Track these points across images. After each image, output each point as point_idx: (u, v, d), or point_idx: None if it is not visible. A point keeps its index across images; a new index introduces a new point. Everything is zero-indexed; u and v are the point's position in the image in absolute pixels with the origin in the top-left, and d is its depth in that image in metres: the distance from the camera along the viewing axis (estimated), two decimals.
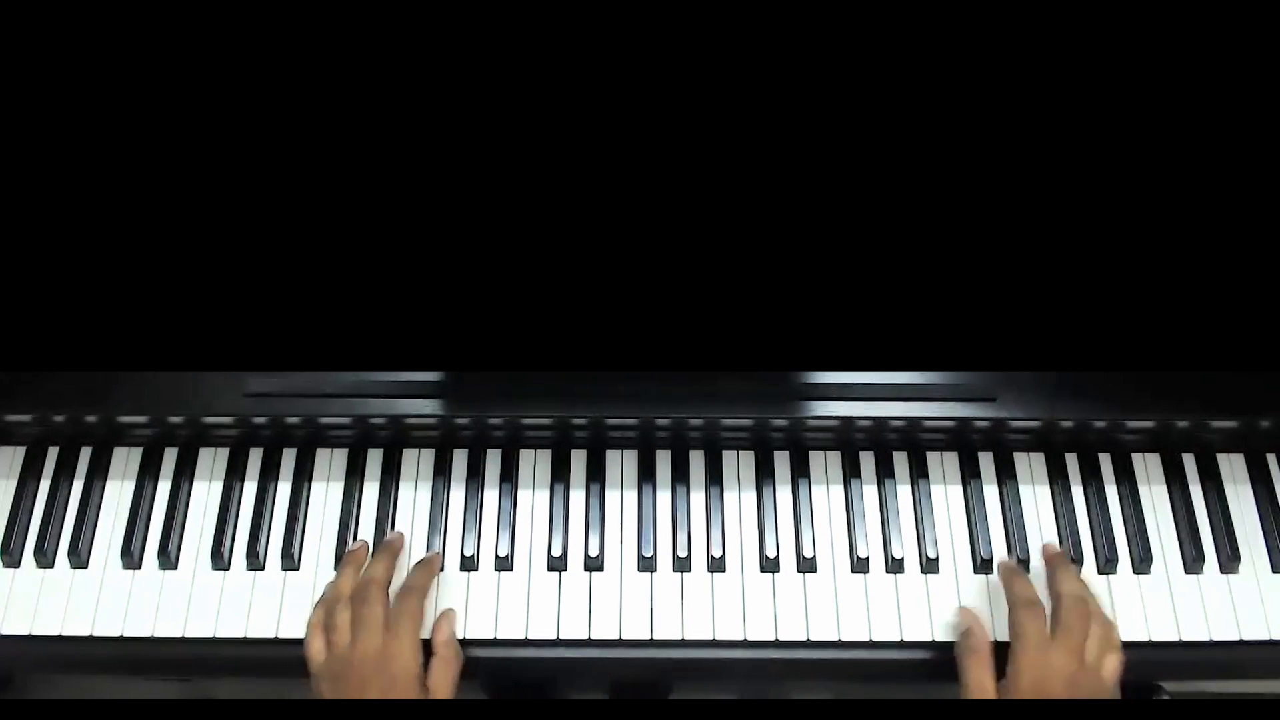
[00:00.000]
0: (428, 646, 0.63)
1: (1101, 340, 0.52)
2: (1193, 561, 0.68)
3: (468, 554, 0.68)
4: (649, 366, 0.54)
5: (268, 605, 0.66)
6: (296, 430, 0.71)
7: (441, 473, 0.71)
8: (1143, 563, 0.68)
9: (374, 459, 0.71)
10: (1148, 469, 0.71)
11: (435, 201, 0.50)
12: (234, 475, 0.71)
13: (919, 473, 0.71)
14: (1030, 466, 0.71)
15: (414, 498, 0.70)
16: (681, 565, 0.67)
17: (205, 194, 0.50)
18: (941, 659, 0.65)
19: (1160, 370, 0.54)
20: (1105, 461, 0.71)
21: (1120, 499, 0.70)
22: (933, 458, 0.71)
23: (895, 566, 0.67)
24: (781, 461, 0.71)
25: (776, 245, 0.51)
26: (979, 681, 0.60)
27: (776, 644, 0.65)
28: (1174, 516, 0.70)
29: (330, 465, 0.72)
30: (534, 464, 0.71)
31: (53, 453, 0.72)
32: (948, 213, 0.50)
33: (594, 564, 0.67)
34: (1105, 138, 0.49)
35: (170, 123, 0.49)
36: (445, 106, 0.49)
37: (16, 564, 0.68)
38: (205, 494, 0.71)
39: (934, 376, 0.68)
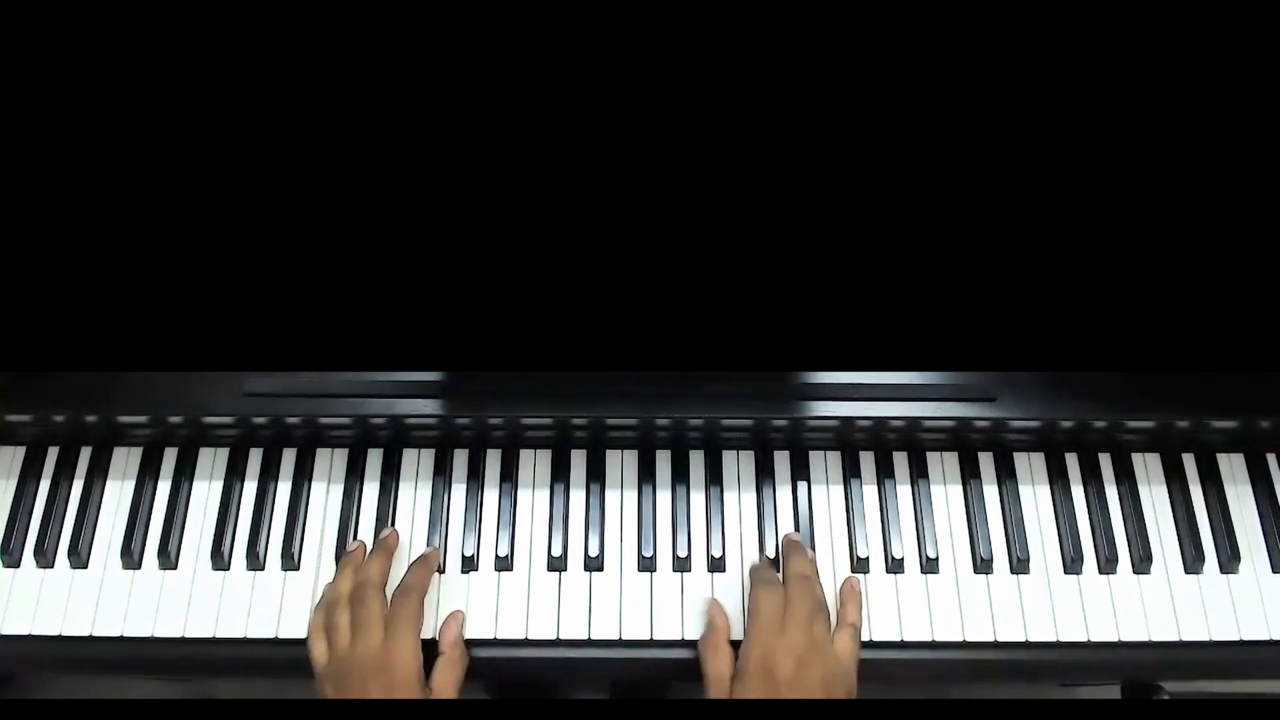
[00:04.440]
0: (430, 646, 0.63)
1: (1101, 340, 0.52)
2: (1193, 561, 0.68)
3: (468, 554, 0.68)
4: (649, 366, 0.54)
5: (268, 605, 0.66)
6: (296, 430, 0.71)
7: (441, 473, 0.71)
8: (1143, 563, 0.68)
9: (374, 459, 0.71)
10: (1148, 469, 0.71)
11: (435, 202, 0.50)
12: (234, 475, 0.71)
13: (919, 473, 0.71)
14: (1030, 466, 0.71)
15: (414, 498, 0.70)
16: (681, 565, 0.67)
17: (205, 194, 0.50)
18: (942, 659, 0.65)
19: (1160, 370, 0.54)
20: (1105, 461, 0.71)
21: (1120, 499, 0.70)
22: (933, 458, 0.71)
23: (895, 566, 0.67)
24: (781, 461, 0.71)
25: (776, 245, 0.51)
26: (717, 671, 0.61)
27: None
28: (1174, 516, 0.70)
29: (330, 465, 0.72)
30: (534, 464, 0.71)
31: (53, 453, 0.72)
32: (947, 213, 0.50)
33: (594, 564, 0.67)
34: (1105, 137, 0.49)
35: (170, 123, 0.49)
36: (445, 107, 0.49)
37: (16, 564, 0.68)
38: (205, 494, 0.71)
39: (934, 376, 0.68)
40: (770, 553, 0.68)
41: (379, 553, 0.66)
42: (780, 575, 0.65)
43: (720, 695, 0.60)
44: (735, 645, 0.63)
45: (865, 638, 0.65)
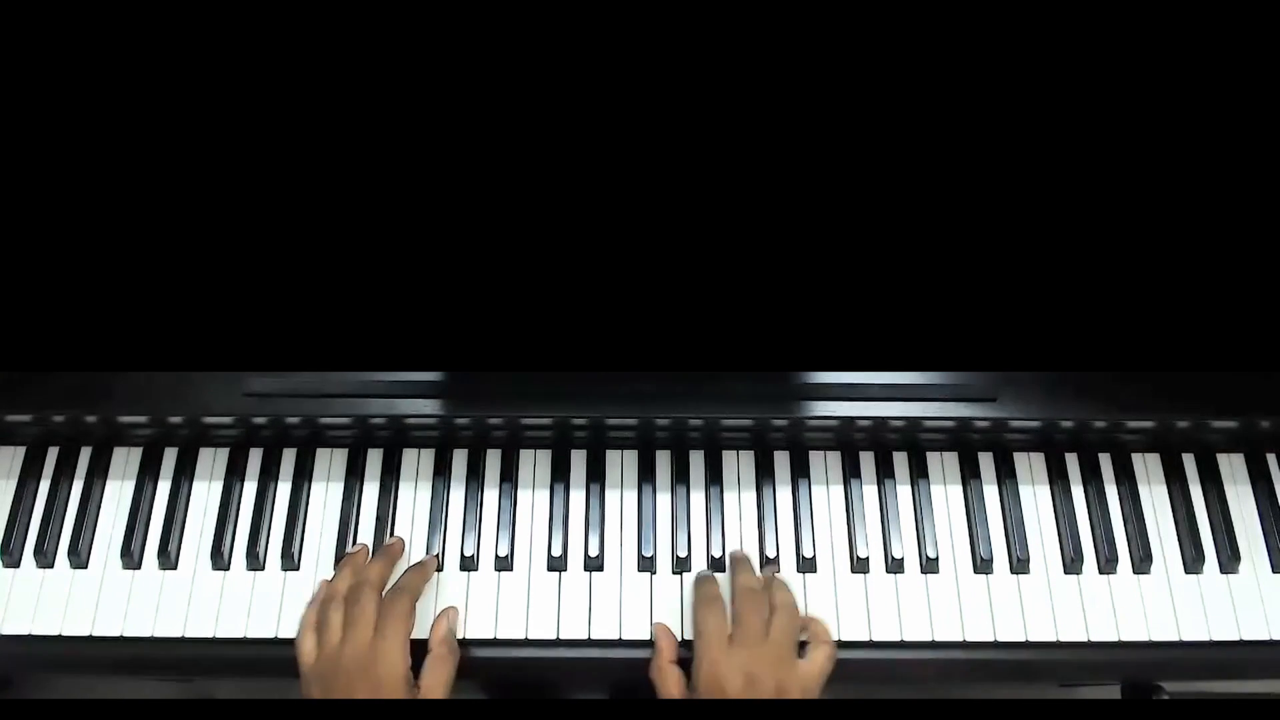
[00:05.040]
0: (422, 647, 0.62)
1: (1101, 340, 0.52)
2: (1193, 561, 0.68)
3: (468, 554, 0.68)
4: (649, 366, 0.54)
5: (268, 605, 0.66)
6: (296, 430, 0.71)
7: (441, 473, 0.71)
8: (1143, 563, 0.68)
9: (374, 459, 0.71)
10: (1148, 469, 0.71)
11: (435, 202, 0.50)
12: (234, 475, 0.71)
13: (919, 473, 0.71)
14: (1030, 466, 0.71)
15: (414, 498, 0.70)
16: (681, 565, 0.67)
17: (205, 194, 0.50)
18: (942, 659, 0.65)
19: (1160, 370, 0.54)
20: (1105, 461, 0.71)
21: (1120, 499, 0.70)
22: (933, 458, 0.71)
23: (895, 566, 0.67)
24: (781, 461, 0.71)
25: (776, 245, 0.51)
26: (666, 691, 0.61)
27: None
28: (1174, 516, 0.70)
29: (330, 465, 0.72)
30: (534, 464, 0.71)
31: (53, 453, 0.72)
32: (948, 213, 0.50)
33: (594, 564, 0.67)
34: (1105, 138, 0.49)
35: (170, 123, 0.49)
36: (445, 107, 0.49)
37: (16, 564, 0.68)
38: (205, 494, 0.71)
39: (934, 376, 0.68)
40: (771, 551, 0.68)
41: (382, 557, 0.66)
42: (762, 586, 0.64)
43: None
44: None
45: (866, 638, 0.65)
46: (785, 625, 0.61)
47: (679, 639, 0.64)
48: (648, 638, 0.65)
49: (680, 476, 0.70)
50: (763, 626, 0.60)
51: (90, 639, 0.66)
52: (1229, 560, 0.68)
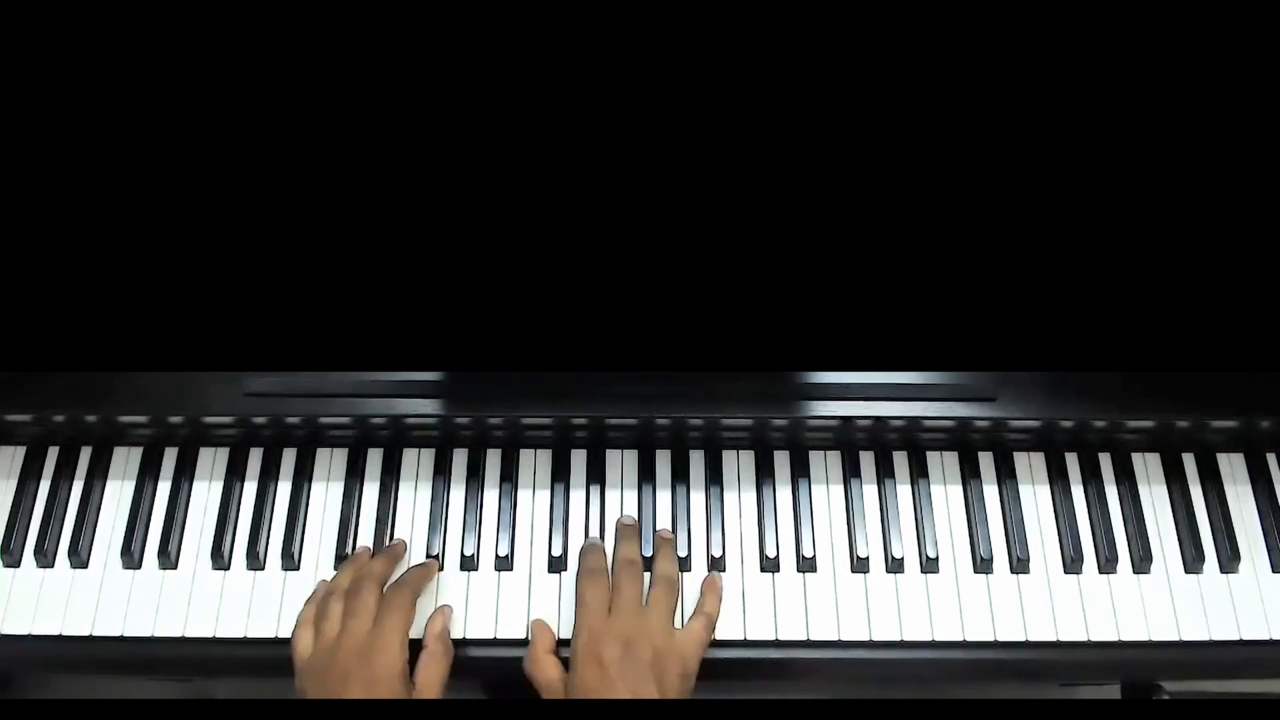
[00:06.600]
0: (419, 646, 0.62)
1: (1101, 340, 0.52)
2: (1193, 561, 0.68)
3: (468, 554, 0.68)
4: (649, 366, 0.54)
5: (268, 605, 0.66)
6: (296, 430, 0.71)
7: (441, 473, 0.71)
8: (1143, 563, 0.68)
9: (374, 459, 0.71)
10: (1148, 469, 0.71)
11: (436, 201, 0.50)
12: (234, 475, 0.71)
13: (919, 473, 0.71)
14: (1030, 466, 0.71)
15: (414, 498, 0.70)
16: (681, 565, 0.67)
17: (205, 194, 0.50)
18: (942, 659, 0.65)
19: (1160, 370, 0.54)
20: (1105, 461, 0.71)
21: (1120, 499, 0.70)
22: (933, 458, 0.71)
23: (895, 566, 0.67)
24: (781, 461, 0.71)
25: (776, 245, 0.51)
26: (546, 678, 0.60)
27: (776, 644, 0.65)
28: (1174, 516, 0.70)
29: (330, 465, 0.72)
30: (534, 464, 0.71)
31: (53, 453, 0.72)
32: (948, 212, 0.50)
33: None
34: (1105, 137, 0.49)
35: (170, 123, 0.49)
36: (446, 106, 0.49)
37: (16, 564, 0.68)
38: (205, 494, 0.71)
39: (934, 376, 0.68)
40: (771, 551, 0.68)
41: (385, 555, 0.66)
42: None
43: (555, 698, 0.60)
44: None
45: (866, 638, 0.65)
46: (663, 596, 0.62)
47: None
48: None
49: (680, 476, 0.70)
50: (640, 596, 0.62)
51: (90, 639, 0.66)
52: (1229, 560, 0.68)
